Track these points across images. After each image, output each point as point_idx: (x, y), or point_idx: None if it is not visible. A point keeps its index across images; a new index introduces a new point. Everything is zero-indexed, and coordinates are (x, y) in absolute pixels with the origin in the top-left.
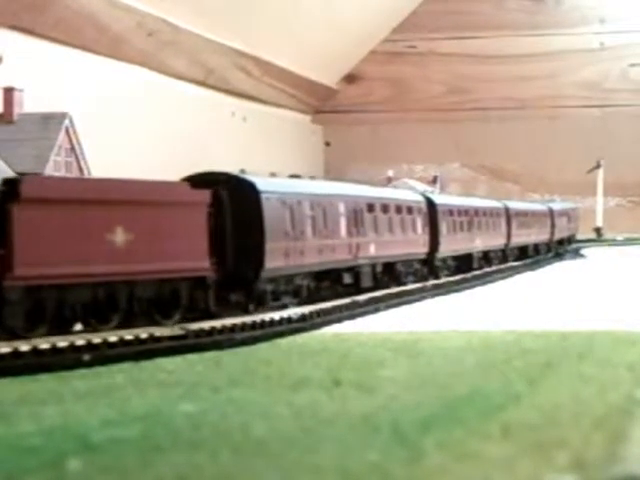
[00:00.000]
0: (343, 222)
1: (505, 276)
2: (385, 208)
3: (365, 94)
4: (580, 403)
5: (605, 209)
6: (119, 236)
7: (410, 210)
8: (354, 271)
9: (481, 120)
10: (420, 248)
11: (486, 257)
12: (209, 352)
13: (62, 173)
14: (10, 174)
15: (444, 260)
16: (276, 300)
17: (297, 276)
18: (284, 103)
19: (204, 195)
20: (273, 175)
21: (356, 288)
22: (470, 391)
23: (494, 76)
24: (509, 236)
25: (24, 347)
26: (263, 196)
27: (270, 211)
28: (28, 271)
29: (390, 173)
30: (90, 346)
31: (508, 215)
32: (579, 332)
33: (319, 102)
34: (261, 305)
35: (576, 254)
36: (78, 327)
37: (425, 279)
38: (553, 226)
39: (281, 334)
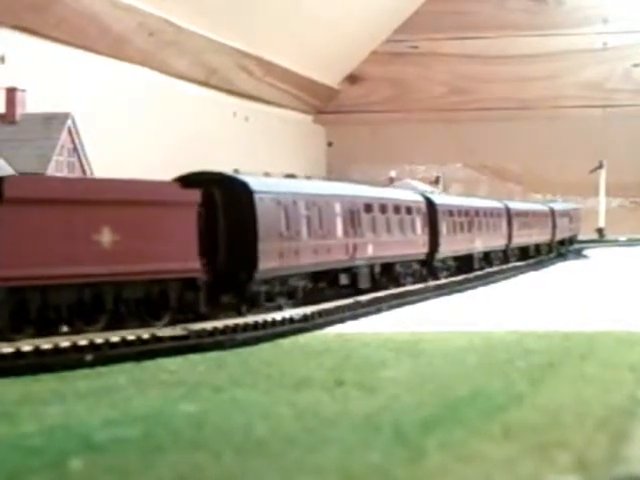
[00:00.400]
0: (339, 222)
1: (507, 276)
2: (383, 208)
3: (367, 94)
4: (582, 403)
5: (607, 210)
6: (106, 236)
7: (409, 210)
8: (351, 272)
9: (483, 120)
10: (419, 249)
11: (487, 258)
12: (211, 352)
13: (64, 173)
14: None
15: (444, 261)
16: (270, 301)
17: (292, 277)
18: (286, 103)
19: (194, 195)
20: (267, 175)
21: (354, 289)
22: (472, 391)
23: (496, 76)
24: (510, 237)
25: (26, 347)
26: (256, 196)
27: (264, 211)
28: (11, 272)
29: (392, 173)
30: (92, 346)
31: (509, 215)
32: (581, 333)
33: (321, 102)
34: (254, 307)
35: (578, 255)
36: (64, 329)
37: (424, 280)
38: (554, 227)
39: (283, 334)
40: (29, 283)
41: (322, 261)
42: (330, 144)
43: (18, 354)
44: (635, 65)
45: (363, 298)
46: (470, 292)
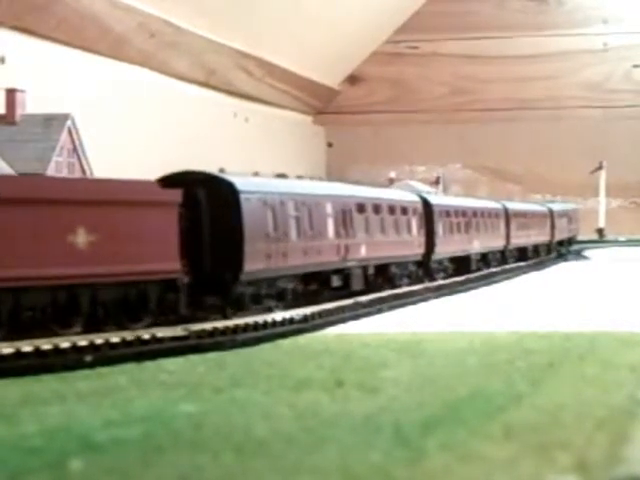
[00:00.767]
0: (330, 223)
1: (508, 277)
2: (377, 208)
3: (367, 95)
4: (582, 404)
5: (607, 210)
6: (81, 237)
7: (405, 211)
8: (343, 273)
9: (483, 121)
10: (415, 250)
11: (484, 259)
12: (211, 353)
13: (64, 174)
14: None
15: (440, 262)
16: (257, 303)
17: (280, 279)
18: (286, 104)
19: (175, 195)
20: (256, 174)
21: (346, 291)
22: (472, 392)
23: (496, 77)
24: (508, 237)
25: (26, 348)
26: (242, 196)
27: (250, 211)
28: None
29: (392, 174)
30: (92, 347)
31: (507, 216)
32: (582, 333)
33: (321, 103)
34: (241, 309)
35: (579, 255)
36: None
37: (421, 281)
38: (553, 227)
39: (283, 335)
40: (0, 285)
41: (312, 262)
42: (330, 145)
43: (18, 355)
44: (635, 66)
45: (363, 298)
46: (472, 292)
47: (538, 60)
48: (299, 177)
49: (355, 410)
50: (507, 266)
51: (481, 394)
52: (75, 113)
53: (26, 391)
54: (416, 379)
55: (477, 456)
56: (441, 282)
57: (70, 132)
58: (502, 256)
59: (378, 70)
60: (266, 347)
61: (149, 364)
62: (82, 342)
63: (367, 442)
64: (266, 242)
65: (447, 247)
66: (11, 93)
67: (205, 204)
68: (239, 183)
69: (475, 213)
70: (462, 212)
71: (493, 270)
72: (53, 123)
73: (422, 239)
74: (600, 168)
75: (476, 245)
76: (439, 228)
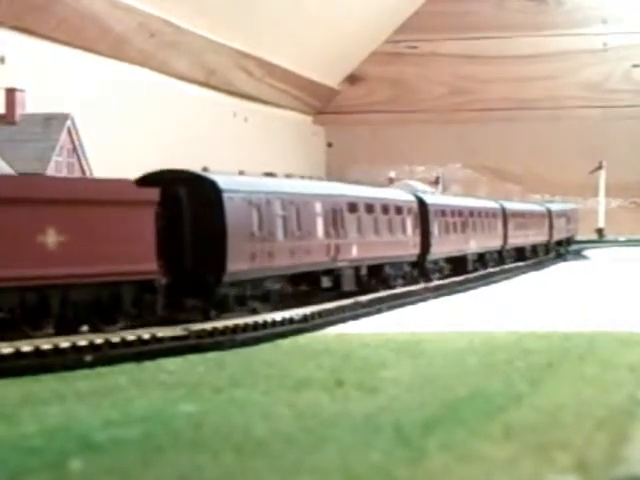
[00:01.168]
0: (320, 222)
1: (507, 277)
2: (370, 208)
3: (367, 95)
4: (582, 404)
5: (607, 210)
6: (50, 237)
7: (399, 210)
8: (334, 274)
9: (483, 121)
10: (410, 250)
11: (481, 259)
12: (211, 353)
13: (64, 174)
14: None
15: (436, 262)
16: (242, 305)
17: (266, 280)
18: (286, 104)
19: (152, 193)
20: (242, 173)
21: (338, 292)
22: (472, 392)
23: (496, 77)
24: (505, 237)
25: (26, 348)
26: (225, 195)
27: (233, 211)
28: None
29: (392, 174)
30: (92, 347)
31: (505, 216)
32: (581, 333)
33: (321, 103)
34: (224, 310)
35: (578, 255)
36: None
37: (416, 282)
38: (551, 227)
39: (283, 335)
40: None
41: (300, 263)
42: (330, 144)
43: (18, 355)
44: (635, 66)
45: (363, 298)
46: (470, 292)
47: (537, 60)
48: (288, 176)
49: (355, 410)
50: (506, 266)
51: (481, 394)
52: (75, 113)
53: (26, 391)
54: (416, 379)
55: (477, 456)
56: (440, 282)
57: (70, 132)
58: (499, 256)
59: (378, 70)
60: (266, 347)
61: (149, 364)
62: (82, 342)
63: (367, 442)
64: (251, 242)
65: (443, 247)
66: (11, 93)
67: (187, 203)
68: (222, 182)
69: (472, 213)
70: (458, 212)
71: (492, 270)
72: (53, 123)
73: (417, 239)
74: (600, 168)
75: (473, 245)
76: (435, 228)
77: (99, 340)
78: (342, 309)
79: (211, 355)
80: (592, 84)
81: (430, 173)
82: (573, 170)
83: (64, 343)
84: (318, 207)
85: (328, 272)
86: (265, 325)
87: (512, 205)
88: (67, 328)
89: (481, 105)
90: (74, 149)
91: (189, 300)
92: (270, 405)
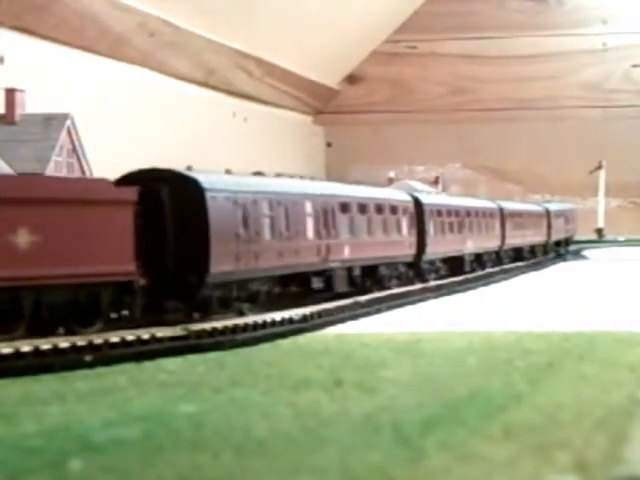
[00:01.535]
0: (310, 223)
1: (506, 277)
2: (363, 208)
3: (366, 95)
4: (582, 404)
5: (607, 210)
6: (22, 237)
7: (394, 210)
8: (325, 275)
9: (482, 121)
10: (405, 250)
11: (479, 259)
12: (211, 353)
13: (63, 174)
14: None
15: (432, 262)
16: (227, 307)
17: (253, 281)
18: (285, 104)
19: (129, 193)
20: (229, 172)
21: (330, 293)
22: (472, 392)
23: (496, 77)
24: (503, 237)
25: (26, 348)
26: (208, 194)
27: (217, 211)
28: None
29: (392, 174)
30: (92, 347)
31: (502, 216)
32: (581, 333)
33: (320, 103)
34: (207, 312)
35: (578, 255)
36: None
37: (411, 283)
38: (550, 227)
39: (282, 335)
40: None
41: (289, 264)
42: (329, 144)
43: (18, 355)
44: (635, 66)
45: (363, 298)
46: (469, 292)
47: (537, 60)
48: (278, 175)
49: (354, 410)
50: (505, 266)
51: (480, 394)
52: (75, 113)
53: (25, 391)
54: (415, 379)
55: (477, 456)
56: (439, 282)
57: (69, 132)
58: (497, 257)
59: (377, 70)
60: (265, 347)
61: (148, 364)
62: (81, 342)
63: (367, 442)
64: (236, 242)
65: (439, 247)
66: (10, 93)
67: (168, 203)
68: (205, 181)
69: (469, 213)
70: (455, 212)
71: (491, 270)
72: (52, 123)
73: (413, 239)
74: (599, 168)
75: (470, 245)
76: (430, 228)
77: (99, 340)
78: (341, 309)
79: (211, 355)
80: (592, 84)
81: (430, 173)
82: (573, 170)
83: (64, 343)
84: (308, 207)
85: (319, 273)
86: (265, 325)
87: (510, 205)
88: (41, 331)
89: (481, 105)
90: (74, 149)
91: (170, 302)
92: (270, 405)
